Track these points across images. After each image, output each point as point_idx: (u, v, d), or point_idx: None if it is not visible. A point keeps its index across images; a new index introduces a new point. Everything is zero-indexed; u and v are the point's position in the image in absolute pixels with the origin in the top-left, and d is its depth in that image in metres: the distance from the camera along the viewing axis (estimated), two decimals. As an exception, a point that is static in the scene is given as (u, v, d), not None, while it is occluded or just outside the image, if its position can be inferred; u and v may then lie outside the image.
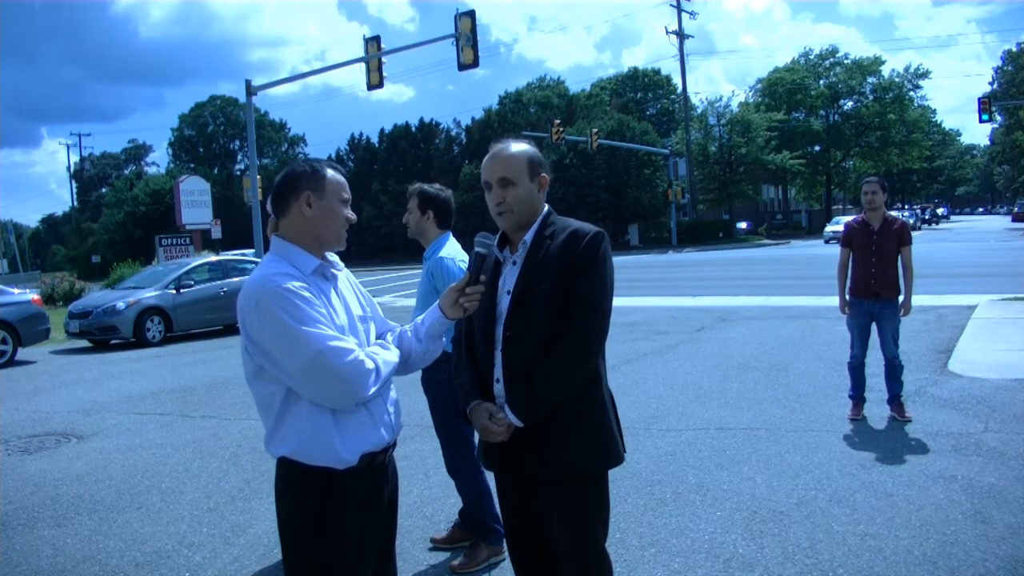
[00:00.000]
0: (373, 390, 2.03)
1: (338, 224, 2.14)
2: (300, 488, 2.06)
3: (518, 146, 2.36)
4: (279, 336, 1.95)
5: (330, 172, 2.14)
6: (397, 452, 2.33)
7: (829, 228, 39.03)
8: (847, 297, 5.96)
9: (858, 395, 5.95)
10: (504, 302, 2.30)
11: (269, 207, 2.20)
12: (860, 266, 5.82)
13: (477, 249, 2.27)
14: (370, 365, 2.03)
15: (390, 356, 2.15)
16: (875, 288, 5.74)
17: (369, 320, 2.25)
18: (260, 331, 1.98)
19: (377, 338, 2.26)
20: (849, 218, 6.42)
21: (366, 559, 2.12)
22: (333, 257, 2.23)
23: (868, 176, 5.98)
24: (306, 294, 1.99)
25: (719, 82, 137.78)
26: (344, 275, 2.26)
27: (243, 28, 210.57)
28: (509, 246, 2.39)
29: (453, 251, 3.75)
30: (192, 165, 61.70)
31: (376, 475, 2.14)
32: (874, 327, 5.86)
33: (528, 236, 2.32)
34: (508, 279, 2.33)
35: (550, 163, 2.67)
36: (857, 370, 5.92)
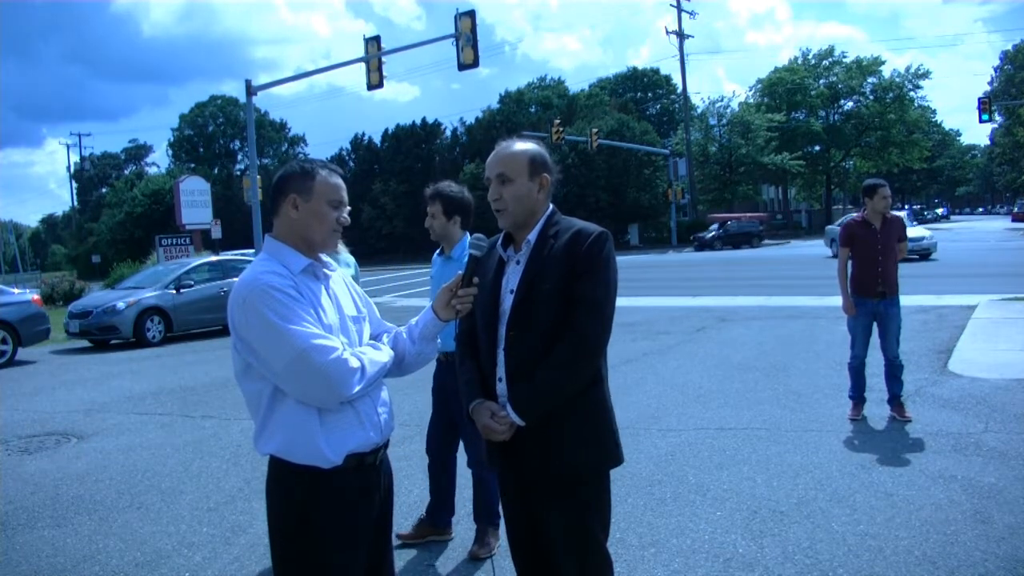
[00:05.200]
0: (357, 389, 2.03)
1: (325, 228, 2.13)
2: (287, 486, 2.07)
3: (522, 145, 2.36)
4: (265, 333, 1.97)
5: (321, 174, 2.13)
6: (396, 453, 2.33)
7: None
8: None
9: (858, 395, 5.95)
10: (507, 301, 2.30)
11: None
12: (864, 265, 5.81)
13: (471, 251, 2.28)
14: (354, 364, 2.02)
15: (379, 356, 2.14)
16: (881, 288, 5.74)
17: (363, 321, 2.25)
18: (247, 328, 2.00)
19: (372, 339, 2.26)
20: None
21: (355, 559, 2.12)
22: (328, 257, 2.23)
23: (875, 179, 5.93)
24: (292, 292, 2.00)
25: (722, 81, 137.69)
26: (339, 275, 2.26)
27: (248, 26, 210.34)
28: (513, 245, 2.39)
29: None
30: (192, 165, 61.64)
31: (365, 476, 2.13)
32: (875, 327, 5.86)
33: (532, 235, 2.31)
34: (511, 278, 2.32)
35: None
36: (858, 370, 5.92)
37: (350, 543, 2.10)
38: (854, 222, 5.97)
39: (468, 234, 3.90)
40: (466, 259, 3.76)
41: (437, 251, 4.04)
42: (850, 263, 5.92)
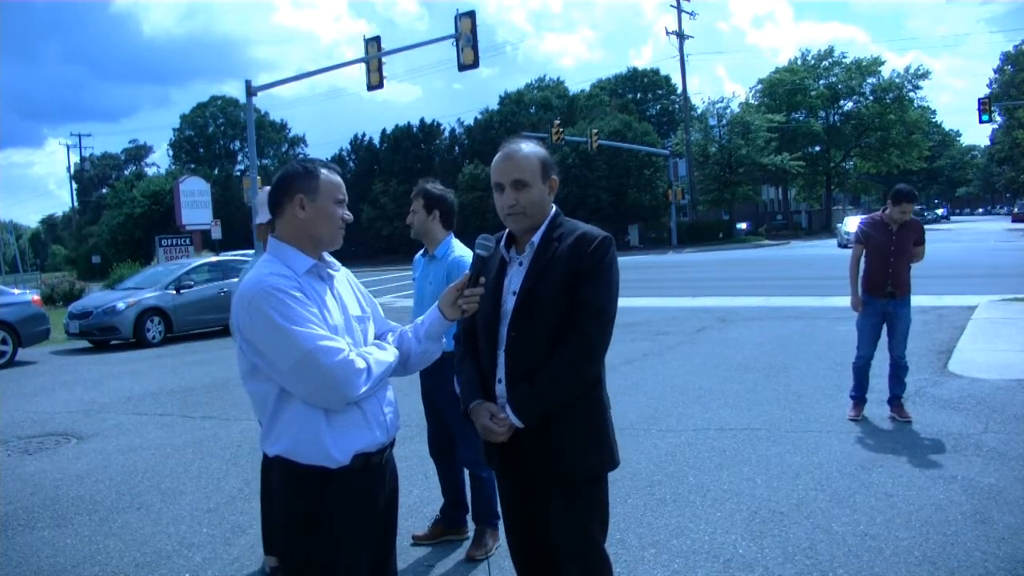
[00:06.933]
0: (364, 390, 2.03)
1: (333, 225, 2.15)
2: (293, 487, 2.07)
3: (530, 147, 2.33)
4: (270, 335, 1.97)
5: (324, 173, 2.14)
6: (397, 452, 2.32)
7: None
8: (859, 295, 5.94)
9: (860, 395, 5.95)
10: (509, 302, 2.30)
11: (267, 208, 2.20)
12: (876, 265, 5.81)
13: (478, 251, 2.28)
14: (360, 365, 2.03)
15: (384, 356, 2.15)
16: (891, 288, 5.74)
17: (368, 320, 2.25)
18: (252, 330, 2.00)
19: (377, 338, 2.26)
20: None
21: (359, 559, 2.12)
22: (330, 257, 2.23)
23: (907, 188, 5.78)
24: (297, 294, 2.01)
25: (723, 81, 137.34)
26: (343, 275, 2.27)
27: (249, 26, 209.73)
28: (515, 246, 2.38)
29: (466, 251, 3.77)
30: (192, 166, 61.60)
31: (371, 476, 2.13)
32: (883, 327, 5.85)
33: (536, 238, 2.31)
34: (514, 280, 2.33)
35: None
36: (862, 370, 5.91)
37: (355, 543, 2.10)
38: (872, 220, 5.97)
39: (452, 235, 3.89)
40: (451, 259, 3.79)
41: (420, 252, 4.01)
42: (863, 261, 5.92)
